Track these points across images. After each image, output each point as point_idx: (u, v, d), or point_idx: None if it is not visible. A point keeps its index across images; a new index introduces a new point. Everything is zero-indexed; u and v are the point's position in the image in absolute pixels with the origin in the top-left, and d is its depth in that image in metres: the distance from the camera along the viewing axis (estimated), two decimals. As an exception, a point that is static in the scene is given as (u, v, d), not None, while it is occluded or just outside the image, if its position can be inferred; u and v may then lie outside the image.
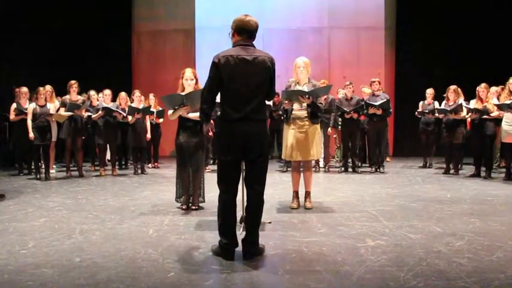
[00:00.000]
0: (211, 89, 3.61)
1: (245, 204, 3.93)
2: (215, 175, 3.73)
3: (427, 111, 9.25)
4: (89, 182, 7.79)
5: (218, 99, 3.68)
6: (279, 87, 6.49)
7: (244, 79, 3.53)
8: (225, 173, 3.64)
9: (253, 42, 3.67)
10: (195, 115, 5.21)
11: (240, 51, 3.56)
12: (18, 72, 10.05)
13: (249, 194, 3.70)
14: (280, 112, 5.84)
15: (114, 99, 8.92)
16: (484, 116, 7.77)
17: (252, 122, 3.56)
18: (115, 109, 8.49)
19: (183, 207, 5.41)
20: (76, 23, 11.59)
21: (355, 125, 8.81)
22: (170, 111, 5.33)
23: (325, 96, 8.20)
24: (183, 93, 5.22)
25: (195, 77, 5.37)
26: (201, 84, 5.41)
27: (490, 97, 7.95)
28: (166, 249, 3.87)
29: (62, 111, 8.20)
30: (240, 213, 4.27)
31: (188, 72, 5.37)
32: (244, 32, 3.62)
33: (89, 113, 8.64)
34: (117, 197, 6.33)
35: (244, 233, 3.76)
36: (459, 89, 8.40)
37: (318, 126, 5.53)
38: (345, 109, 8.57)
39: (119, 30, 12.45)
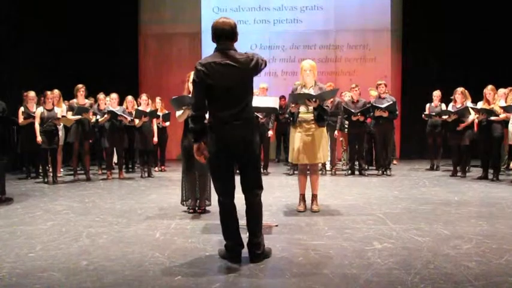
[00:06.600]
0: (199, 94, 3.55)
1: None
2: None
3: (434, 113, 9.19)
4: (96, 186, 7.82)
5: None
6: (286, 90, 6.47)
7: (228, 83, 3.48)
8: (219, 176, 3.63)
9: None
10: None
11: (221, 57, 3.52)
12: (25, 76, 10.10)
13: (247, 197, 3.68)
14: (287, 115, 5.82)
15: (121, 103, 8.96)
16: (492, 118, 7.73)
17: (240, 122, 3.51)
18: (120, 113, 8.51)
19: (190, 210, 5.41)
20: (83, 26, 11.64)
21: (362, 128, 8.77)
22: (178, 113, 5.27)
23: (332, 99, 8.19)
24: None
25: None
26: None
27: (497, 99, 7.91)
28: (173, 252, 3.88)
29: (70, 115, 8.25)
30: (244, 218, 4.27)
31: (193, 75, 5.31)
32: (221, 36, 3.59)
33: (97, 116, 8.67)
34: (124, 201, 6.35)
35: (248, 236, 3.75)
36: (466, 91, 8.36)
37: (325, 129, 5.51)
38: (352, 110, 8.54)
39: (125, 33, 12.48)
